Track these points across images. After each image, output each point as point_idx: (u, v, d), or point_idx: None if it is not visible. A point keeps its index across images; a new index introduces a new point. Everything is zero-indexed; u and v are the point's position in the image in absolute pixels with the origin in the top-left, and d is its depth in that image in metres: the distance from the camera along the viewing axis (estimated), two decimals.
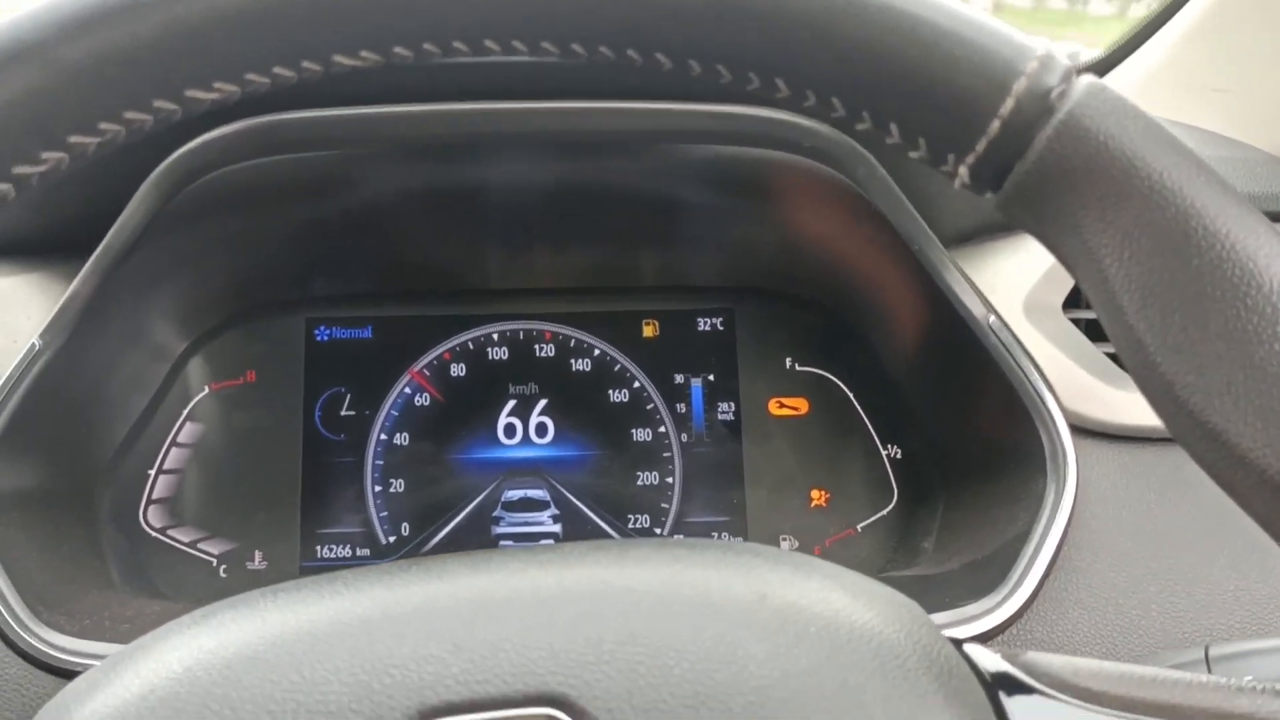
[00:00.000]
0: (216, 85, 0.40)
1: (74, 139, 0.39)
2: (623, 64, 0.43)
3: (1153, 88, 1.23)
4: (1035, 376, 0.84)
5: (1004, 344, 0.85)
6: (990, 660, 0.44)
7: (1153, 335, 0.40)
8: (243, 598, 0.44)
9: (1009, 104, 0.40)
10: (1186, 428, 0.40)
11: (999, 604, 0.79)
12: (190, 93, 0.40)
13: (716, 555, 0.46)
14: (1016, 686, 0.43)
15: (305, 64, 0.41)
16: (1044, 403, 0.84)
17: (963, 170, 0.43)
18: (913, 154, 0.43)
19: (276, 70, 0.41)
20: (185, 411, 1.01)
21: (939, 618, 0.79)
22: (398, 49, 0.41)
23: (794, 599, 0.43)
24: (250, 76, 0.41)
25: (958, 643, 0.45)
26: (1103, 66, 1.33)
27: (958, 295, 0.87)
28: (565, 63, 0.43)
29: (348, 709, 0.38)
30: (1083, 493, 0.83)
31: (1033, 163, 0.41)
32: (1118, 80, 1.30)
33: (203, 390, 1.02)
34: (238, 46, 0.40)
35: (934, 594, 0.84)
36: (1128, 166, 0.40)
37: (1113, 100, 0.41)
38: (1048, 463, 0.83)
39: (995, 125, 0.41)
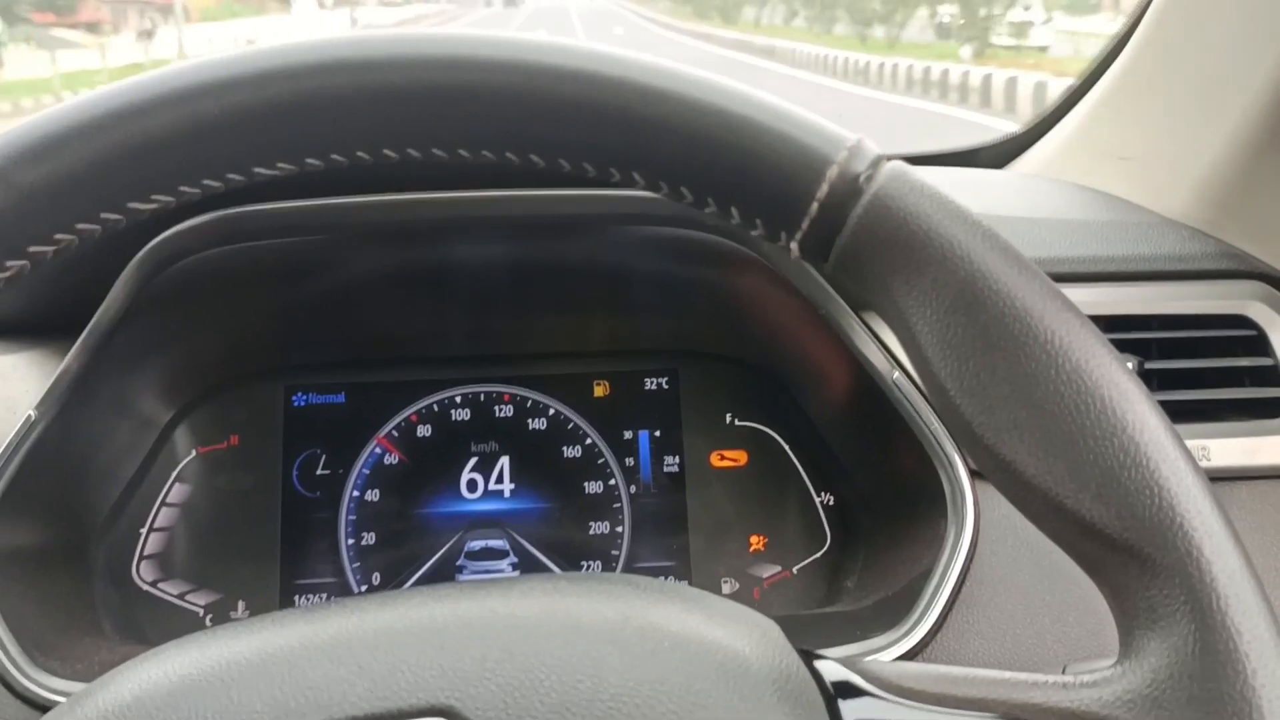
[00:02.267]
0: (154, 198, 0.48)
1: (34, 249, 0.47)
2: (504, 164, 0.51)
3: (1069, 155, 1.32)
4: (936, 426, 0.92)
5: (907, 398, 0.93)
6: (833, 670, 0.51)
7: (952, 381, 0.47)
8: (188, 638, 0.50)
9: (824, 188, 0.47)
10: (984, 460, 0.48)
11: (903, 636, 0.86)
12: (132, 205, 0.48)
13: (591, 586, 0.53)
14: (852, 691, 0.49)
15: (230, 175, 0.49)
16: (944, 451, 0.92)
17: (794, 245, 0.49)
18: (753, 232, 0.50)
19: (205, 181, 0.48)
20: (174, 474, 1.09)
21: (849, 649, 0.87)
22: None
23: (654, 619, 0.50)
24: (183, 188, 0.48)
25: (809, 656, 0.52)
26: (1031, 136, 1.42)
27: (863, 354, 0.95)
28: None
29: None
30: (985, 533, 0.90)
31: (848, 237, 0.48)
32: (1041, 148, 1.39)
33: (190, 454, 1.10)
34: (157, 168, 0.47)
35: (849, 628, 0.91)
36: (924, 238, 0.47)
37: (912, 182, 0.48)
38: (948, 506, 0.91)
39: (815, 207, 0.48)
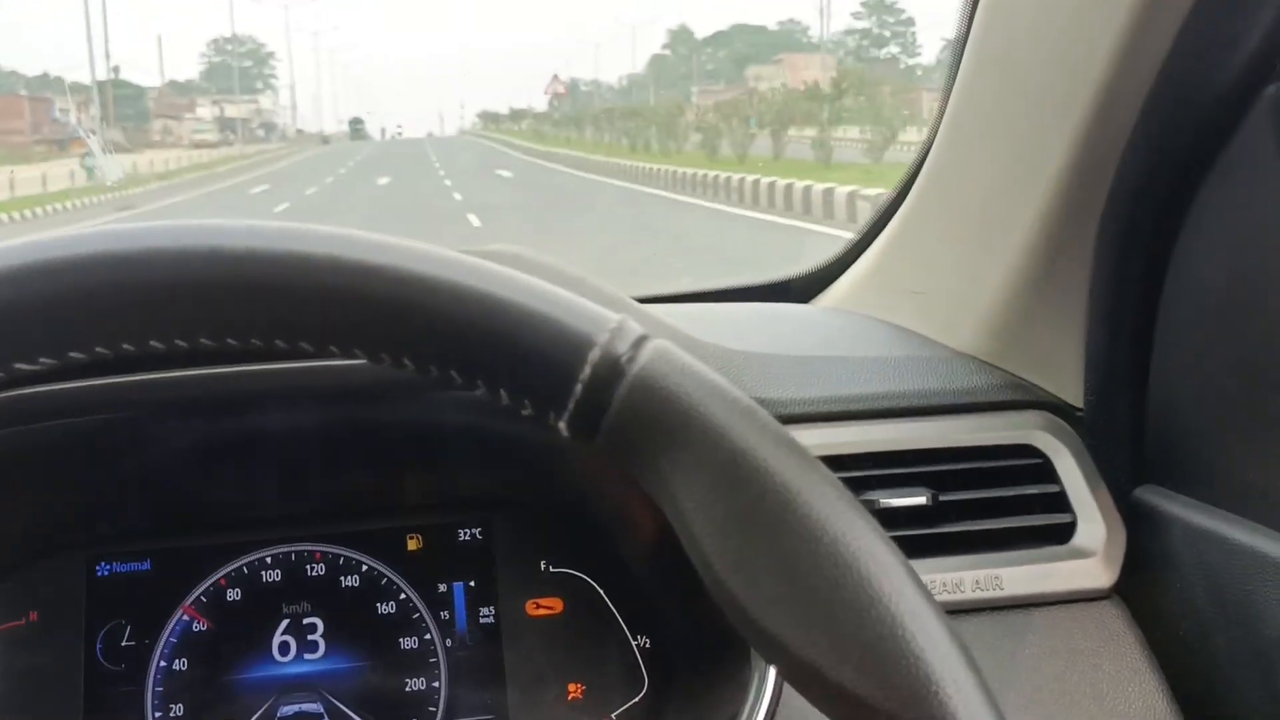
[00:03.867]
0: None
1: None
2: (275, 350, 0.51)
3: (869, 288, 1.37)
4: None
5: None
6: None
7: (717, 557, 0.49)
8: None
9: (587, 370, 0.49)
10: (750, 634, 0.49)
11: None
12: None
13: None
14: None
15: (16, 365, 0.49)
16: None
17: (561, 425, 0.51)
18: (524, 412, 0.52)
19: None
20: None
21: None
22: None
23: None
24: None
25: None
26: (837, 268, 1.47)
27: None
28: None
29: None
30: None
31: (614, 417, 0.50)
32: (846, 280, 1.44)
33: None
34: None
35: None
36: (686, 417, 0.49)
37: (675, 361, 0.50)
38: (752, 650, 0.92)
39: (579, 388, 0.49)
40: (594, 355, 0.49)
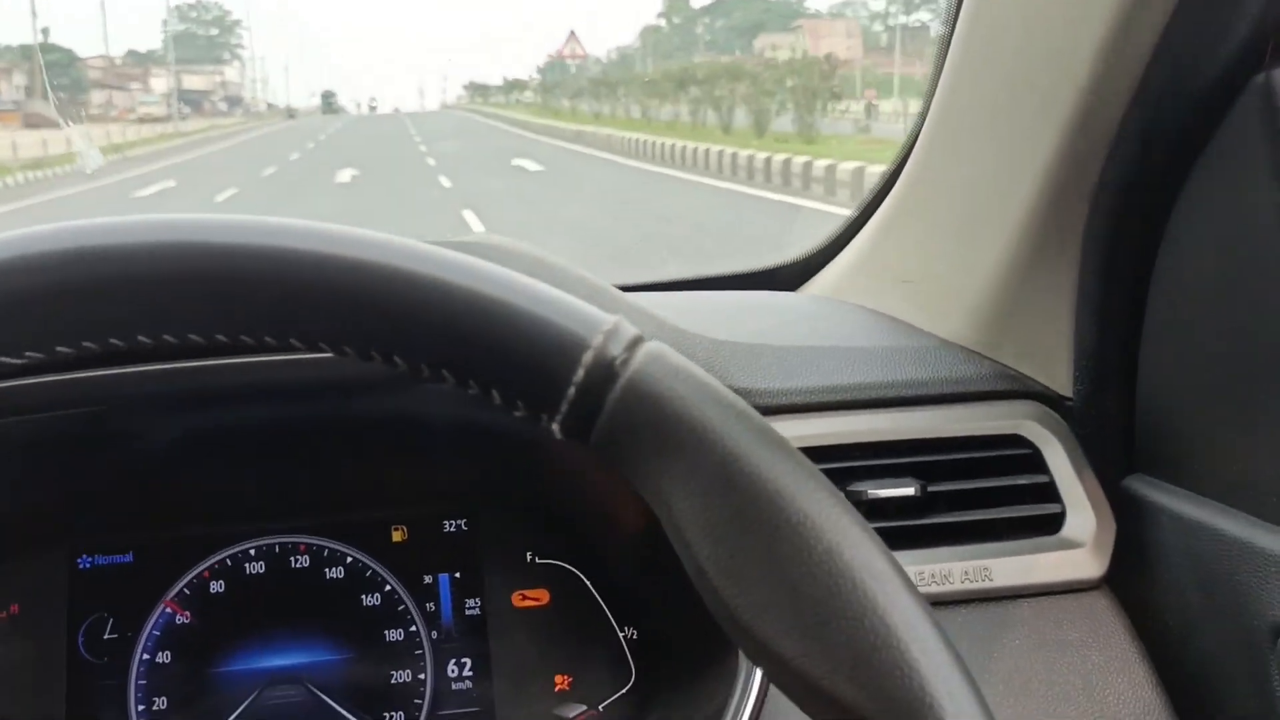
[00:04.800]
0: None
1: None
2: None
3: (857, 277, 1.36)
4: None
5: None
6: None
7: (709, 562, 0.48)
8: None
9: (580, 373, 0.49)
10: (742, 640, 0.48)
11: None
12: None
13: None
14: None
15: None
16: None
17: (555, 427, 0.50)
18: (516, 413, 0.51)
19: None
20: None
21: None
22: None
23: None
24: None
25: None
26: (824, 256, 1.46)
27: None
28: None
29: None
30: None
31: (607, 419, 0.49)
32: (833, 269, 1.43)
33: None
34: None
35: None
36: (678, 420, 0.48)
37: (668, 364, 0.50)
38: None
39: (572, 391, 0.49)
40: (587, 358, 0.49)
